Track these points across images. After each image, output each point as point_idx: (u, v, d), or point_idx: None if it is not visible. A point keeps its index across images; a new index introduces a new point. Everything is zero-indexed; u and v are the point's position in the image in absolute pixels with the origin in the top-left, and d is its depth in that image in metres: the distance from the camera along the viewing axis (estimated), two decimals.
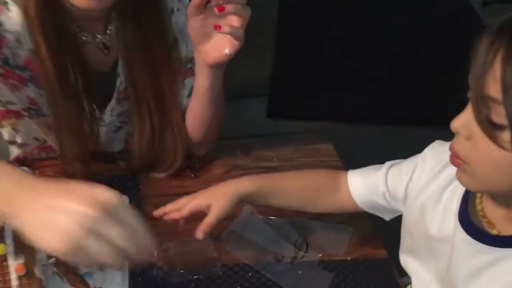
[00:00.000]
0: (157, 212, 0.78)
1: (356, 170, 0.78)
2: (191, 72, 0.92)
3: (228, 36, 0.78)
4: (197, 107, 0.91)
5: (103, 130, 0.93)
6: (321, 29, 2.83)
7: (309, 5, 3.13)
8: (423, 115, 2.07)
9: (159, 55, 0.87)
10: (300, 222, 0.84)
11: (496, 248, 0.57)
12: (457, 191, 0.64)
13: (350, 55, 2.52)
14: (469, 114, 0.52)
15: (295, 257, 0.80)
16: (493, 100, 0.48)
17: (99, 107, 0.90)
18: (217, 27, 0.77)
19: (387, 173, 0.73)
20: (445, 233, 0.64)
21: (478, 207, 0.61)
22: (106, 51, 0.88)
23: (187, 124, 0.94)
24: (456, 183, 0.63)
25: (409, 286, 0.73)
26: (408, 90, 2.27)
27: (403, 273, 0.76)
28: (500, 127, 0.48)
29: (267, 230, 0.83)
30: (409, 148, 0.75)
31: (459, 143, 0.54)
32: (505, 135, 0.48)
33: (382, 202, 0.74)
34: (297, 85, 2.32)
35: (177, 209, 0.76)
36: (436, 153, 0.69)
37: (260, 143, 1.00)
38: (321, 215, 0.83)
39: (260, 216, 0.84)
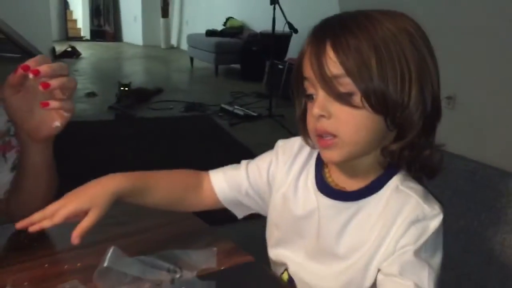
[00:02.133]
0: (20, 224, 0.69)
1: (216, 169, 0.86)
2: (10, 146, 0.89)
3: (58, 109, 0.76)
4: (30, 183, 0.87)
5: None
6: None
7: None
8: None
9: None
10: (167, 254, 0.85)
11: (352, 202, 0.72)
12: (309, 173, 0.78)
13: None
14: (322, 98, 0.65)
15: (173, 279, 0.80)
16: (337, 76, 0.63)
17: None
18: (45, 104, 0.73)
19: (246, 170, 0.84)
20: (309, 208, 0.76)
21: (329, 179, 0.76)
22: None
23: (16, 202, 0.88)
24: (308, 167, 0.78)
25: (285, 272, 0.81)
26: None
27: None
28: (350, 94, 0.63)
29: (138, 264, 0.81)
30: None
31: (324, 123, 0.66)
32: (355, 98, 0.63)
33: (244, 199, 0.84)
34: None
35: (46, 216, 0.69)
36: (286, 148, 0.83)
37: None
38: (184, 244, 0.87)
39: (127, 257, 0.82)
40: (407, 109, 0.64)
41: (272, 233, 0.83)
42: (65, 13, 10.01)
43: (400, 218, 0.68)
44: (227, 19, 7.21)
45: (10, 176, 0.91)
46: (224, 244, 0.89)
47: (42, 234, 0.88)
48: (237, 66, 6.52)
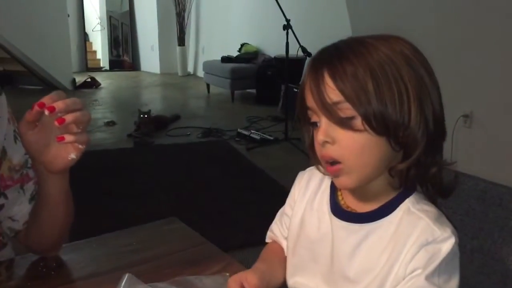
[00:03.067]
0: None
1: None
2: (28, 178, 0.93)
3: (73, 143, 0.78)
4: (47, 214, 0.89)
5: None
6: None
7: None
8: None
9: None
10: (181, 280, 0.87)
11: (364, 224, 0.72)
12: (324, 197, 0.80)
13: None
14: (325, 125, 0.67)
15: None
16: (337, 103, 0.65)
17: None
18: (61, 139, 0.76)
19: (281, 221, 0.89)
20: (323, 231, 0.77)
21: (342, 201, 0.77)
22: None
23: (34, 233, 0.91)
24: (322, 190, 0.80)
25: None
26: None
27: None
28: (351, 118, 0.65)
29: None
30: None
31: (329, 150, 0.67)
32: (356, 122, 0.65)
33: None
34: None
35: None
36: (302, 177, 0.85)
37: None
38: (197, 270, 0.88)
39: (142, 283, 0.84)
40: (409, 128, 0.65)
41: (289, 261, 0.84)
42: (85, 45, 10.28)
43: (410, 242, 0.68)
44: (242, 45, 7.32)
45: (29, 208, 0.94)
46: (237, 269, 0.90)
47: (60, 263, 0.91)
48: (253, 91, 6.59)
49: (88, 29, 10.63)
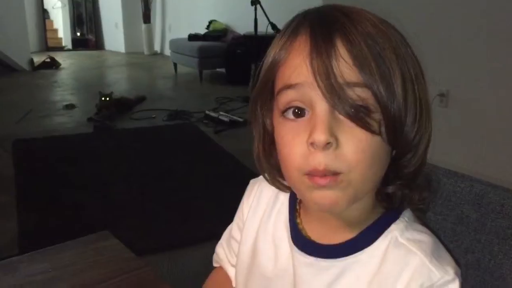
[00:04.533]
0: None
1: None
2: None
3: None
4: None
5: None
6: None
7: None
8: None
9: None
10: None
11: (335, 260, 0.53)
12: (281, 217, 0.60)
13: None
14: (327, 117, 0.46)
15: None
16: (351, 84, 0.45)
17: None
18: None
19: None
20: (282, 266, 0.58)
21: (300, 227, 0.57)
22: None
23: None
24: (278, 209, 0.60)
25: None
26: None
27: None
28: (368, 111, 0.45)
29: None
30: None
31: (329, 157, 0.46)
32: (372, 117, 0.46)
33: None
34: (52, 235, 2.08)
35: None
36: (252, 188, 0.66)
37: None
38: None
39: None
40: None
41: None
42: (44, 23, 9.77)
43: (399, 286, 0.50)
44: (210, 22, 7.04)
45: None
46: None
47: None
48: (222, 70, 6.34)
49: (48, 6, 10.11)
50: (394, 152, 0.50)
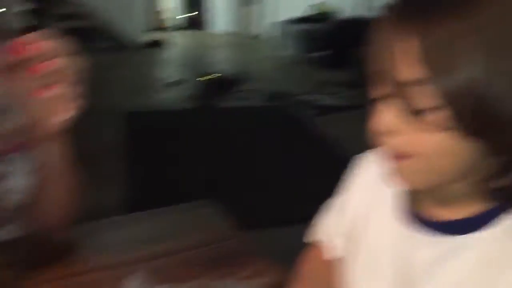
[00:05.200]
0: None
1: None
2: (30, 145, 0.78)
3: (61, 98, 0.64)
4: (49, 188, 0.75)
5: None
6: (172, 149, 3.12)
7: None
8: None
9: None
10: (200, 286, 0.69)
11: (444, 237, 0.50)
12: (388, 192, 0.58)
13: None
14: (390, 111, 0.46)
15: None
16: (415, 83, 0.43)
17: None
18: (39, 93, 0.61)
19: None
20: (385, 241, 0.56)
21: (411, 203, 0.55)
22: None
23: (37, 209, 0.77)
24: (385, 187, 0.58)
25: None
26: None
27: None
28: (431, 110, 0.43)
29: None
30: None
31: (395, 141, 0.46)
32: (437, 116, 0.43)
33: None
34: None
35: None
36: (358, 165, 0.65)
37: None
38: (222, 273, 0.70)
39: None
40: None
41: (342, 277, 0.63)
42: (154, 3, 10.29)
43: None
44: (315, 4, 6.93)
45: (32, 180, 0.79)
46: (273, 275, 0.71)
47: (68, 248, 0.77)
48: (325, 53, 6.22)
49: None
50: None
